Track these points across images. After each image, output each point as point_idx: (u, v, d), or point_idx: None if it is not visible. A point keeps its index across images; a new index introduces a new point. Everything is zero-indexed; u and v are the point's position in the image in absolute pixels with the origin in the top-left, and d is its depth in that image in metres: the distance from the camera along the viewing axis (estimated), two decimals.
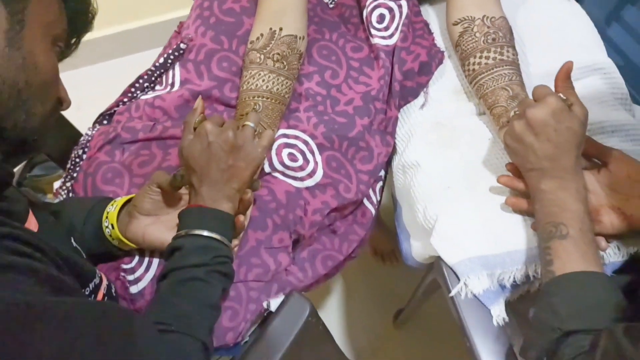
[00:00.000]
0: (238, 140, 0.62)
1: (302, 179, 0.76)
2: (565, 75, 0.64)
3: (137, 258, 0.67)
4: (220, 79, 0.81)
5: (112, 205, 0.64)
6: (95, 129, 0.81)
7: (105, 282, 0.58)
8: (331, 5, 0.91)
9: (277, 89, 0.75)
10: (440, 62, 0.86)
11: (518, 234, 0.66)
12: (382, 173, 0.85)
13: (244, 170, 0.62)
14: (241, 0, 0.85)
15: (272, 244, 0.71)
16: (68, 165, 0.78)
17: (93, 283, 0.55)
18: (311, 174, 0.76)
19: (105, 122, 0.84)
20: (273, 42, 0.75)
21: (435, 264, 0.72)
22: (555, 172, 0.60)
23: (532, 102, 0.63)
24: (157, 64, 0.85)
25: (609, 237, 0.63)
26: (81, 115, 0.95)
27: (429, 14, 0.92)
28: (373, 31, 0.85)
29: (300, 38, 0.77)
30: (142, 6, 1.67)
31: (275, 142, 0.76)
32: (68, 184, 0.77)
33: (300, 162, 0.76)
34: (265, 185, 0.74)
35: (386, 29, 0.84)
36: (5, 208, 0.45)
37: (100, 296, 0.56)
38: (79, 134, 0.94)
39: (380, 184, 0.85)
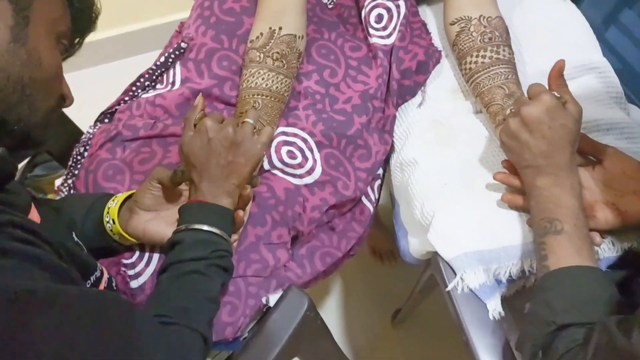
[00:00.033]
0: (237, 136, 0.62)
1: (301, 176, 0.77)
2: (557, 74, 0.65)
3: (137, 253, 0.68)
4: (221, 78, 0.82)
5: (113, 200, 0.65)
6: (97, 127, 0.82)
7: (106, 276, 0.59)
8: (330, 6, 0.92)
9: (277, 87, 0.76)
10: (438, 61, 0.87)
11: (514, 229, 0.67)
12: (381, 171, 0.86)
13: (243, 166, 0.63)
14: (241, 0, 0.86)
15: (271, 240, 0.72)
16: (69, 163, 0.79)
17: (94, 276, 0.55)
18: (310, 172, 0.77)
19: (106, 120, 0.85)
20: (272, 41, 0.76)
21: (432, 260, 0.72)
22: (550, 169, 0.61)
23: (527, 100, 0.64)
24: (158, 63, 0.86)
25: (603, 233, 0.64)
26: (82, 115, 0.96)
27: (427, 14, 0.93)
28: (371, 31, 0.86)
29: (299, 37, 0.78)
30: (144, 8, 1.68)
31: (274, 139, 0.77)
32: (69, 181, 0.78)
33: (299, 159, 0.77)
34: (264, 182, 0.75)
35: (384, 28, 0.85)
36: (8, 200, 0.45)
37: (101, 289, 0.57)
38: (81, 132, 0.95)
39: (378, 182, 0.86)
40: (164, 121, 0.80)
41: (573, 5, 0.92)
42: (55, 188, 0.79)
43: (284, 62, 0.77)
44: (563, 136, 0.61)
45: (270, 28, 0.77)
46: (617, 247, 0.64)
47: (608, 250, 0.64)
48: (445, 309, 0.69)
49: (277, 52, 0.76)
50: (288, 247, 0.74)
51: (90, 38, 0.61)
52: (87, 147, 0.79)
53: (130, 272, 0.67)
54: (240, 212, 0.64)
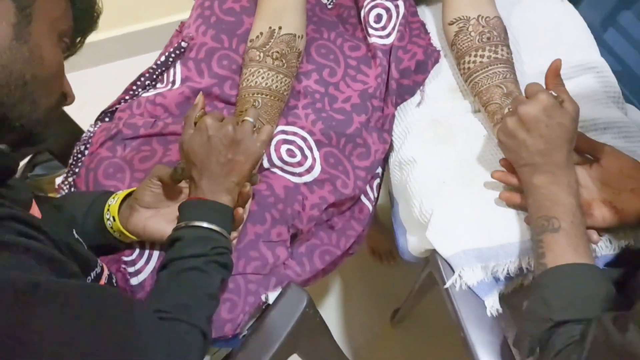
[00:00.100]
0: (237, 134, 0.63)
1: (300, 175, 0.77)
2: (554, 73, 0.65)
3: (137, 250, 0.68)
4: (221, 77, 0.82)
5: (113, 198, 0.66)
6: (97, 126, 0.82)
7: (106, 272, 0.59)
8: (330, 6, 0.92)
9: (276, 86, 0.77)
10: (437, 61, 0.87)
11: (511, 227, 0.67)
12: (380, 170, 0.86)
13: (243, 164, 0.63)
14: (241, 0, 0.87)
15: (270, 238, 0.72)
16: (70, 161, 0.80)
17: (94, 272, 0.56)
18: (309, 170, 0.78)
19: (107, 119, 0.86)
20: (272, 40, 0.77)
21: (431, 258, 0.73)
22: (547, 167, 0.61)
23: (525, 99, 0.64)
24: (158, 62, 0.86)
25: (600, 231, 0.64)
26: (83, 114, 0.97)
27: (426, 14, 0.94)
28: (370, 31, 0.86)
29: (299, 37, 0.79)
30: (144, 8, 1.69)
31: (274, 138, 0.78)
32: (70, 179, 0.78)
33: (299, 158, 0.77)
34: (264, 180, 0.76)
35: (383, 28, 0.86)
36: (9, 195, 0.46)
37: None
38: (81, 131, 0.96)
39: (377, 181, 0.86)
40: (164, 120, 0.80)
41: (570, 5, 0.93)
42: (56, 186, 0.80)
43: (284, 61, 0.77)
44: (560, 134, 0.61)
45: (270, 27, 0.77)
46: (614, 244, 0.65)
47: (605, 248, 0.65)
48: (443, 308, 0.70)
49: (277, 52, 0.77)
50: (287, 245, 0.74)
51: (91, 38, 0.61)
52: (88, 146, 0.79)
53: (131, 270, 0.67)
54: (240, 210, 0.65)
